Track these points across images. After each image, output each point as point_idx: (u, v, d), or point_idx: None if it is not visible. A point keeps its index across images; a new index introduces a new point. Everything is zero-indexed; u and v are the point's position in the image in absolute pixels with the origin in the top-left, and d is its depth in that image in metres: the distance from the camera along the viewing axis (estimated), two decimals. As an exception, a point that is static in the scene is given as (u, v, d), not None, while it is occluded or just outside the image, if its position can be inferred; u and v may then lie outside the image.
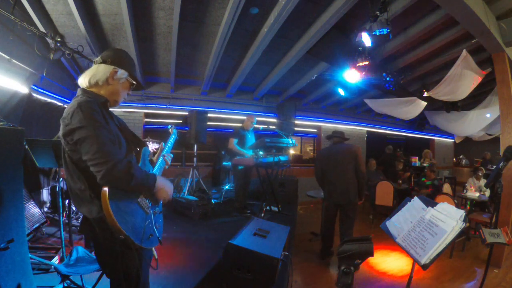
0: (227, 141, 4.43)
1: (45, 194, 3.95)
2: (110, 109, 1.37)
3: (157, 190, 1.31)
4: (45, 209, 3.80)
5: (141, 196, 1.29)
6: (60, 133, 1.17)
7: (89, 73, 1.31)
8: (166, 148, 1.67)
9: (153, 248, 1.30)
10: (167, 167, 1.64)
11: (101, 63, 1.32)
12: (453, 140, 10.53)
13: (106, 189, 1.10)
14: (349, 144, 3.50)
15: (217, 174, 6.26)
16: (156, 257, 1.32)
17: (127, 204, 1.20)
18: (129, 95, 1.47)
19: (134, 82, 1.42)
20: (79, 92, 1.29)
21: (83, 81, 1.30)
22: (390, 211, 2.06)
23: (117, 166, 1.10)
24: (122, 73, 1.34)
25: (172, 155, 1.69)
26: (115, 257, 1.19)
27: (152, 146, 2.31)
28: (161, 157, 1.59)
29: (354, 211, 3.34)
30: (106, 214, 1.08)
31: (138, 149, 1.42)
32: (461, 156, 11.50)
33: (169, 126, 1.91)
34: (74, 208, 3.47)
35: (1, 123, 1.77)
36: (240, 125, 4.65)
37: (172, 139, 1.78)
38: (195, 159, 5.57)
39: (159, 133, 6.65)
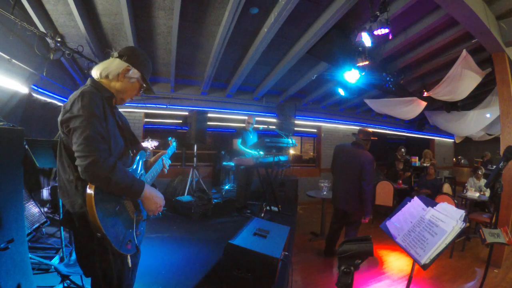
0: (227, 141, 4.45)
1: (45, 194, 3.94)
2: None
3: (143, 198, 1.24)
4: (45, 209, 3.80)
5: (128, 199, 1.24)
6: (59, 119, 1.15)
7: (102, 65, 1.30)
8: (166, 155, 1.65)
9: (128, 256, 1.22)
10: (165, 171, 1.61)
11: (116, 57, 1.31)
12: (453, 140, 10.53)
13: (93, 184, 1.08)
14: (361, 151, 3.26)
15: (217, 174, 6.26)
16: (130, 265, 1.26)
17: (112, 204, 1.16)
18: (138, 97, 1.44)
19: (145, 85, 1.39)
20: (88, 81, 1.27)
21: (95, 72, 1.29)
22: (390, 211, 2.06)
23: (98, 164, 1.05)
24: (134, 72, 1.31)
25: (170, 161, 1.67)
26: (93, 257, 1.15)
27: (151, 143, 2.30)
28: (160, 160, 1.56)
29: (357, 216, 3.29)
30: (88, 208, 1.05)
31: (135, 151, 1.39)
32: (459, 157, 11.50)
33: (170, 138, 1.91)
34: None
35: (1, 123, 1.77)
36: (243, 125, 4.68)
37: (170, 150, 1.78)
38: (195, 159, 5.57)
39: (159, 133, 6.66)
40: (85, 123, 1.08)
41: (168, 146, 1.83)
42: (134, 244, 1.23)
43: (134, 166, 1.33)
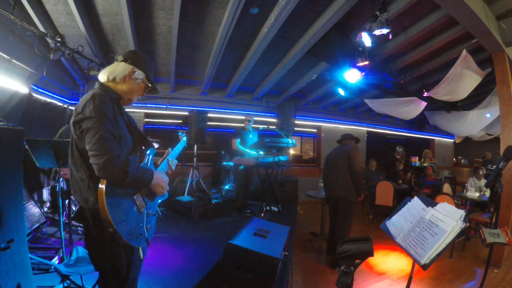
0: (227, 141, 4.43)
1: (45, 194, 3.94)
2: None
3: (153, 185, 1.35)
4: (45, 209, 3.80)
5: (138, 194, 1.30)
6: (71, 120, 1.22)
7: (108, 69, 1.37)
8: (172, 153, 1.69)
9: (140, 249, 1.31)
10: (170, 172, 1.65)
11: (121, 61, 1.38)
12: (453, 140, 10.53)
13: (104, 181, 1.13)
14: (345, 145, 3.55)
15: (217, 174, 6.25)
16: (142, 257, 1.32)
17: (122, 200, 1.21)
18: (143, 96, 1.51)
19: (150, 85, 1.46)
20: (96, 85, 1.34)
21: (102, 76, 1.36)
22: (390, 211, 2.06)
23: (113, 161, 1.12)
24: (139, 74, 1.39)
25: (176, 161, 1.69)
26: (104, 251, 1.21)
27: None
28: (165, 161, 1.61)
29: (346, 206, 3.34)
30: (100, 204, 1.11)
31: (144, 148, 1.45)
32: (459, 157, 11.50)
33: (180, 133, 1.98)
34: (74, 208, 3.47)
35: (1, 123, 1.77)
36: (242, 125, 4.69)
37: (180, 145, 1.82)
38: (195, 159, 5.57)
39: (159, 134, 6.65)
40: (98, 124, 1.14)
41: (179, 141, 1.87)
42: (144, 237, 1.30)
43: (144, 163, 1.40)
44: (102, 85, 1.34)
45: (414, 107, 6.33)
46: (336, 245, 3.30)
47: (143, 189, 1.34)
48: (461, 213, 1.52)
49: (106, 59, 4.31)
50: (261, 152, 3.90)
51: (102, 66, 4.01)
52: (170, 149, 1.72)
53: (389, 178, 6.18)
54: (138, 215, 1.28)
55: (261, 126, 5.21)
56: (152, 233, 1.42)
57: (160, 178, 1.39)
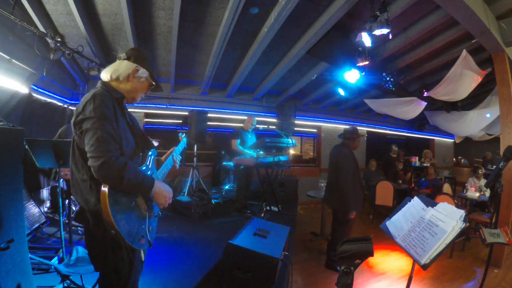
0: (228, 141, 4.42)
1: (45, 194, 3.94)
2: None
3: (154, 194, 1.29)
4: (45, 209, 3.80)
5: (140, 197, 1.29)
6: (72, 120, 1.20)
7: (111, 67, 1.34)
8: (176, 151, 1.69)
9: (141, 251, 1.28)
10: (177, 166, 1.66)
11: (124, 59, 1.35)
12: (453, 140, 10.53)
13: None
14: (340, 149, 3.21)
15: (217, 174, 6.25)
16: (143, 259, 1.31)
17: (125, 202, 1.20)
18: (147, 95, 1.49)
19: (154, 83, 1.44)
20: (99, 84, 1.31)
21: (105, 74, 1.33)
22: (390, 211, 2.06)
23: (109, 164, 1.09)
24: (143, 72, 1.36)
25: (180, 157, 1.70)
26: (106, 252, 1.19)
27: None
28: (170, 157, 1.61)
29: (340, 216, 3.12)
30: (103, 206, 1.09)
31: (146, 150, 1.43)
32: (459, 157, 11.51)
33: (180, 133, 1.98)
34: (74, 208, 3.47)
35: (1, 123, 1.77)
36: (241, 125, 4.67)
37: (180, 146, 1.82)
38: (195, 159, 5.57)
39: (159, 134, 6.65)
40: (97, 124, 1.12)
41: (179, 142, 1.87)
42: (146, 239, 1.28)
43: (145, 164, 1.38)
44: (104, 84, 1.31)
45: (414, 107, 6.33)
46: (331, 247, 3.29)
47: (141, 196, 1.31)
48: (461, 213, 1.52)
49: (106, 59, 4.31)
50: (261, 152, 3.90)
51: (102, 66, 4.01)
52: (174, 147, 1.73)
53: (388, 178, 6.18)
54: (140, 217, 1.27)
55: (261, 126, 5.21)
56: (154, 234, 1.40)
57: (163, 188, 1.33)
